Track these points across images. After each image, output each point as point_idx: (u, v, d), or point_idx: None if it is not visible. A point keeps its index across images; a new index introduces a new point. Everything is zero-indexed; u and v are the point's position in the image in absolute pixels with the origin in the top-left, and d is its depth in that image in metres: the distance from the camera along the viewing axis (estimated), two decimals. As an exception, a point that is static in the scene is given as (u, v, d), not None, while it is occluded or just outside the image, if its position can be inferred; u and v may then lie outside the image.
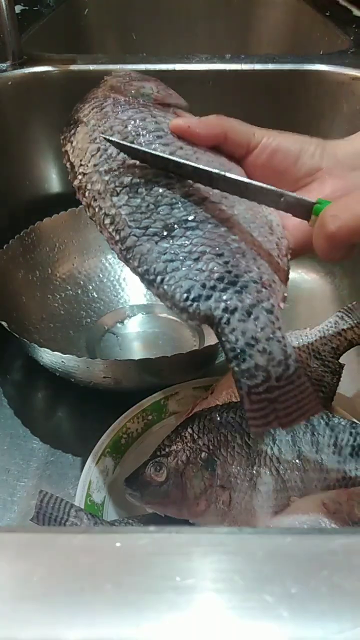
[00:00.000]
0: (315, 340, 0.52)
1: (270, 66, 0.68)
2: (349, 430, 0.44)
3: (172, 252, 0.32)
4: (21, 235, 0.64)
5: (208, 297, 0.31)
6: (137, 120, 0.36)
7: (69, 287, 0.68)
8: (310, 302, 0.72)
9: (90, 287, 0.69)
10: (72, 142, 0.37)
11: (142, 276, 0.33)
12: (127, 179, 0.34)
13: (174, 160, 0.34)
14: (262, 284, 0.32)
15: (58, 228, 0.68)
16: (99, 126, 0.36)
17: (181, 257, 0.32)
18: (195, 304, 0.31)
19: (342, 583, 0.21)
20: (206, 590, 0.21)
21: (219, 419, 0.45)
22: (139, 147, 0.34)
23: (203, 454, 0.43)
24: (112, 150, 0.35)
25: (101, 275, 0.70)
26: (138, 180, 0.34)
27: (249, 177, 0.36)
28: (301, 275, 0.74)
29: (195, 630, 0.20)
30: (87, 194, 0.35)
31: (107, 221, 0.34)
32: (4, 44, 0.68)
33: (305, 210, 0.33)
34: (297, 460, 0.43)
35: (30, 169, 0.73)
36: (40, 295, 0.65)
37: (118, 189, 0.34)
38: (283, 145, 0.38)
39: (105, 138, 0.35)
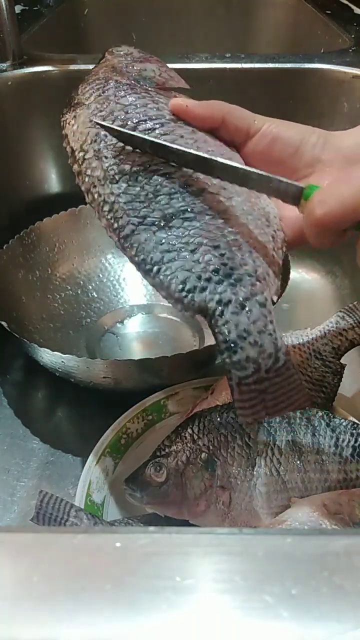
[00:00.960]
0: (316, 340, 0.52)
1: (270, 65, 0.68)
2: (349, 431, 0.44)
3: (170, 242, 0.33)
4: (21, 235, 0.64)
5: (203, 289, 0.32)
6: (139, 107, 0.36)
7: (69, 287, 0.68)
8: (311, 302, 0.72)
9: (90, 287, 0.69)
10: (72, 126, 0.37)
11: (139, 265, 0.33)
12: (127, 167, 0.34)
13: (171, 148, 0.34)
14: (257, 277, 0.33)
15: (58, 228, 0.68)
16: (100, 111, 0.36)
17: (178, 248, 0.32)
18: (190, 295, 0.32)
19: (343, 584, 0.21)
20: (206, 590, 0.21)
21: (219, 419, 0.45)
22: (138, 135, 0.34)
23: (203, 455, 0.43)
24: (119, 123, 0.35)
25: (101, 275, 0.70)
26: (138, 168, 0.34)
27: (247, 164, 0.36)
28: (302, 275, 0.74)
29: (195, 630, 0.20)
30: (86, 179, 0.35)
31: (106, 208, 0.34)
32: (4, 44, 0.68)
33: (295, 196, 0.33)
34: (298, 461, 0.43)
35: (30, 169, 0.73)
36: (40, 295, 0.65)
37: (117, 177, 0.34)
38: (284, 133, 0.38)
39: (103, 125, 0.35)
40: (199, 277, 0.32)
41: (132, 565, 0.22)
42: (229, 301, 0.32)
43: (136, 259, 0.33)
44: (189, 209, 0.33)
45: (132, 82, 0.38)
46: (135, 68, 0.40)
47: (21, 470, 0.53)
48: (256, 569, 0.21)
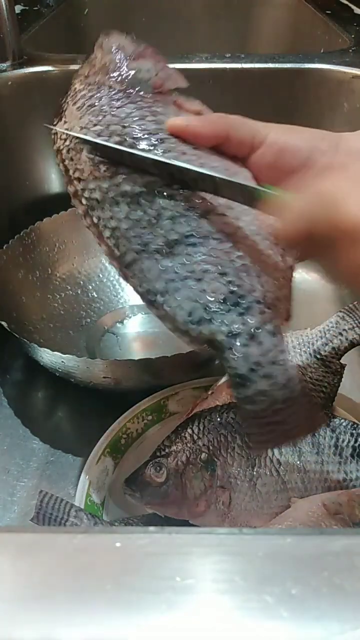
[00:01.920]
0: (316, 341, 0.52)
1: (270, 65, 0.68)
2: (349, 432, 0.44)
3: (174, 270, 0.31)
4: (21, 235, 0.64)
5: (211, 320, 0.30)
6: (136, 119, 0.33)
7: (69, 287, 0.68)
8: (311, 302, 0.72)
9: (90, 287, 0.69)
10: (64, 141, 0.34)
11: (143, 295, 0.31)
12: (127, 188, 0.32)
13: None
14: (266, 304, 0.31)
15: (58, 228, 0.68)
16: (95, 124, 0.33)
17: (183, 277, 0.31)
18: (197, 327, 0.30)
19: (343, 584, 0.21)
20: (206, 590, 0.21)
21: (219, 419, 0.45)
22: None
23: (203, 455, 0.43)
24: (117, 140, 0.32)
25: (101, 275, 0.70)
26: (139, 189, 0.32)
27: (254, 177, 0.35)
28: (302, 275, 0.74)
29: (195, 630, 0.20)
30: (83, 201, 0.33)
31: (107, 234, 0.32)
32: (4, 44, 0.68)
33: (247, 196, 0.31)
34: (298, 461, 0.43)
35: (30, 169, 0.73)
36: (40, 295, 0.65)
37: (118, 199, 0.32)
38: (291, 143, 0.35)
39: (99, 143, 0.32)
40: (206, 308, 0.30)
41: (132, 565, 0.22)
42: (239, 333, 0.30)
43: (140, 289, 0.31)
44: (194, 234, 0.31)
45: (127, 88, 0.35)
46: (129, 69, 0.36)
47: (21, 470, 0.53)
48: (256, 569, 0.21)
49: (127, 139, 0.33)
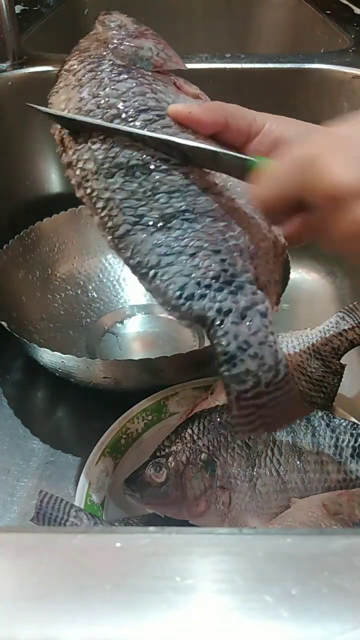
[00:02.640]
0: (316, 341, 0.52)
1: (270, 65, 0.68)
2: (349, 432, 0.44)
3: (167, 245, 0.30)
4: (21, 235, 0.64)
5: (202, 297, 0.30)
6: (137, 94, 0.33)
7: (69, 287, 0.68)
8: (311, 302, 0.72)
9: (90, 287, 0.69)
10: (62, 110, 0.34)
11: (134, 268, 0.31)
12: (123, 160, 0.31)
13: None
14: (258, 285, 0.31)
15: (58, 228, 0.68)
16: (94, 96, 0.33)
17: (176, 251, 0.30)
18: (188, 303, 0.30)
19: (343, 584, 0.21)
20: (206, 590, 0.21)
21: (218, 419, 0.45)
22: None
23: (203, 455, 0.43)
24: (115, 112, 0.32)
25: (101, 275, 0.70)
26: (135, 162, 0.31)
27: None
28: (302, 275, 0.74)
29: (195, 630, 0.20)
30: (77, 172, 0.32)
31: (99, 205, 0.31)
32: (4, 44, 0.68)
33: (241, 169, 0.31)
34: (298, 462, 0.43)
35: (30, 169, 0.73)
36: (40, 295, 0.65)
37: (113, 170, 0.31)
38: (286, 132, 0.36)
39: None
40: (198, 284, 0.30)
41: (132, 565, 0.22)
42: (229, 310, 0.30)
43: (131, 261, 0.31)
44: (189, 210, 0.31)
45: (129, 62, 0.35)
46: (130, 46, 0.35)
47: (21, 470, 0.53)
48: (256, 569, 0.21)
49: (129, 112, 0.32)
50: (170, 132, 0.33)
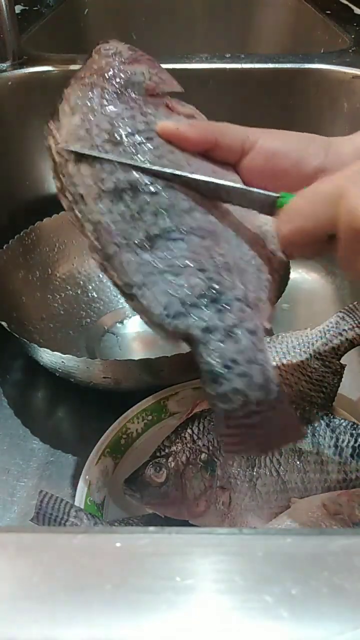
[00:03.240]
0: (316, 341, 0.52)
1: (270, 65, 0.68)
2: (349, 432, 0.44)
3: (153, 264, 0.30)
4: (21, 235, 0.64)
5: (186, 315, 0.30)
6: (126, 119, 0.34)
7: (69, 287, 0.68)
8: (311, 302, 0.72)
9: (90, 287, 0.69)
10: (55, 137, 0.35)
11: (121, 289, 0.31)
12: (111, 184, 0.32)
13: (155, 170, 0.32)
14: (247, 303, 0.31)
15: (58, 228, 0.68)
16: (84, 121, 0.34)
17: (162, 270, 0.30)
18: (172, 322, 0.30)
19: (343, 584, 0.21)
20: (206, 590, 0.21)
21: (219, 419, 0.45)
22: (117, 159, 0.32)
23: (203, 455, 0.43)
24: (104, 138, 0.33)
25: (101, 275, 0.70)
26: (123, 185, 0.32)
27: (245, 182, 0.35)
28: (302, 275, 0.74)
29: (195, 630, 0.20)
30: (68, 196, 0.33)
31: (89, 228, 0.32)
32: (4, 44, 0.68)
33: (269, 205, 0.32)
34: (298, 462, 0.43)
35: (30, 169, 0.73)
36: (40, 295, 0.65)
37: (101, 194, 0.32)
38: (282, 147, 0.36)
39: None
40: (183, 302, 0.30)
41: (132, 565, 0.22)
42: (215, 328, 0.29)
43: (118, 281, 0.31)
44: (175, 229, 0.31)
45: (119, 89, 0.35)
46: (123, 72, 0.36)
47: (21, 470, 0.53)
48: (256, 569, 0.21)
49: (115, 137, 0.33)
50: (158, 153, 0.33)
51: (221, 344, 0.29)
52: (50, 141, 0.35)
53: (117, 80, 0.36)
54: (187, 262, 0.30)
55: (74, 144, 0.34)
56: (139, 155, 0.33)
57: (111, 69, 0.36)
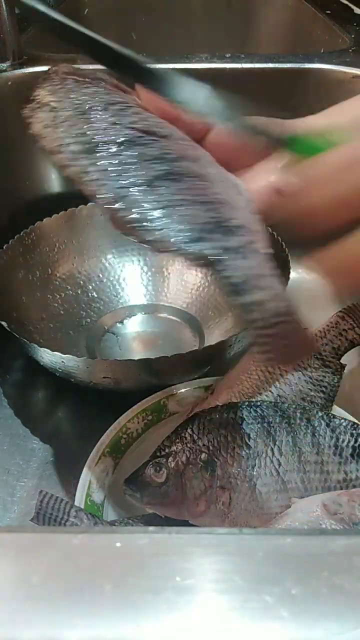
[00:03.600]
0: (316, 341, 0.52)
1: (270, 65, 0.68)
2: (349, 432, 0.44)
3: (160, 201, 0.33)
4: (21, 235, 0.64)
5: (200, 239, 0.33)
6: (102, 95, 0.37)
7: (69, 287, 0.68)
8: (311, 302, 0.72)
9: (90, 287, 0.69)
10: (36, 112, 0.37)
11: (133, 226, 0.33)
12: (104, 138, 0.35)
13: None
14: (249, 228, 0.34)
15: (58, 228, 0.68)
16: (65, 100, 0.36)
17: (171, 205, 0.33)
18: (189, 246, 0.33)
19: (343, 584, 0.21)
20: (206, 590, 0.21)
21: (218, 419, 0.45)
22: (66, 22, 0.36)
23: (203, 455, 0.43)
24: (88, 106, 0.36)
25: (101, 275, 0.70)
26: (113, 138, 0.35)
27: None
28: (301, 275, 0.74)
29: (195, 630, 0.20)
30: (63, 154, 0.35)
31: (87, 178, 0.34)
32: (4, 44, 0.68)
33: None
34: (298, 461, 0.43)
35: (30, 169, 0.73)
36: (40, 295, 0.65)
37: (96, 148, 0.35)
38: None
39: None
40: (195, 229, 0.33)
41: (132, 565, 0.22)
42: (228, 248, 0.33)
43: (129, 218, 0.33)
44: (172, 172, 0.34)
45: (90, 79, 0.39)
46: (87, 72, 0.40)
47: (21, 470, 0.53)
48: (256, 569, 0.21)
49: (97, 105, 0.36)
50: (137, 118, 0.36)
51: (234, 261, 0.33)
52: (32, 120, 0.38)
53: (84, 75, 0.39)
54: (190, 197, 0.34)
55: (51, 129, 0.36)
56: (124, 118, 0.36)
57: (75, 70, 0.39)
